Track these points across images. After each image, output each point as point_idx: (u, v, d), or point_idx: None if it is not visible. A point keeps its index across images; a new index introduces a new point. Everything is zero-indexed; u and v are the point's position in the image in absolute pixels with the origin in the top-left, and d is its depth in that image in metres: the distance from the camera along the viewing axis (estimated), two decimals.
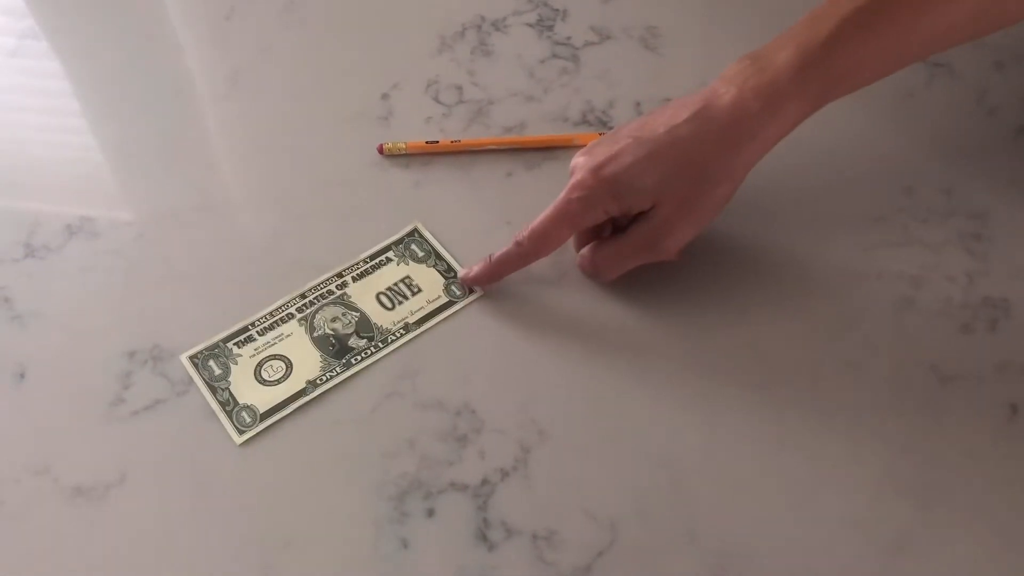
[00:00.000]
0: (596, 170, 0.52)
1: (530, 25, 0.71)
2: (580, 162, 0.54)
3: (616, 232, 0.56)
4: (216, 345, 0.55)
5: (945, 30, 0.51)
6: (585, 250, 0.57)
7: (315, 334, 0.55)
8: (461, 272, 0.58)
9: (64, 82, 0.71)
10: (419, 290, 0.57)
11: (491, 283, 0.57)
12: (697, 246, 0.58)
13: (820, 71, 0.50)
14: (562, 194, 0.54)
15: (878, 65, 0.52)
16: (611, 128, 0.64)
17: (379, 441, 0.52)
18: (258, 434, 0.52)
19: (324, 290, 0.57)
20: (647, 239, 0.54)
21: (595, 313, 0.56)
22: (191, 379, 0.54)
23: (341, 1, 0.73)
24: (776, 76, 0.50)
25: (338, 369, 0.54)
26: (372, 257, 0.59)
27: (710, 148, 0.51)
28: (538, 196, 0.61)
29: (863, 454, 0.51)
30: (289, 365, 0.54)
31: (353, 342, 0.55)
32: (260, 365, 0.54)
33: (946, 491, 0.50)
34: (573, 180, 0.54)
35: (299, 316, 0.56)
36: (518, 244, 0.55)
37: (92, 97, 0.69)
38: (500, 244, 0.59)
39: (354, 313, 0.56)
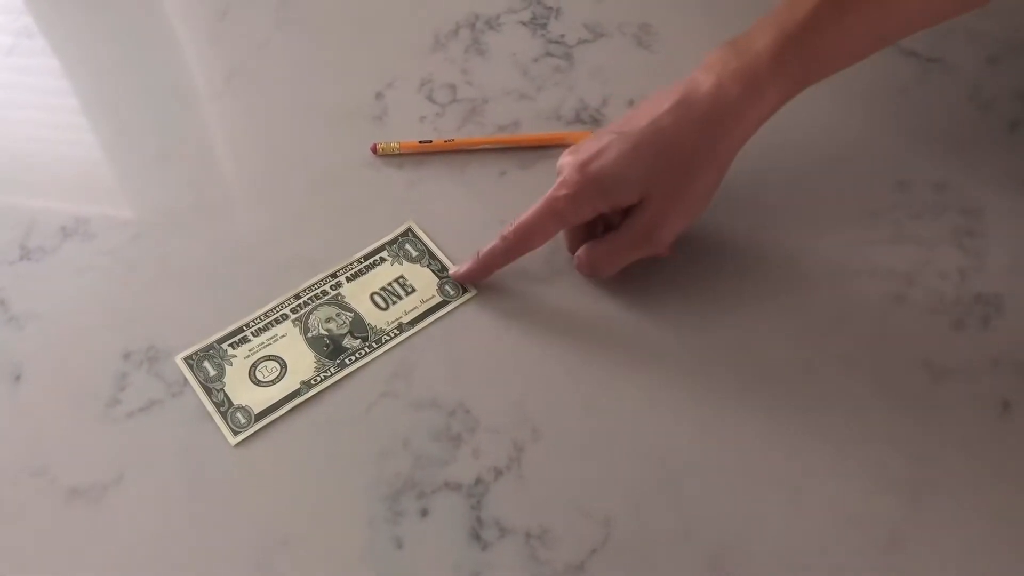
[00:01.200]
0: (582, 167, 0.53)
1: (524, 23, 0.71)
2: (566, 161, 0.54)
3: (608, 229, 0.56)
4: (211, 346, 0.55)
5: (923, 6, 0.52)
6: (581, 250, 0.56)
7: (309, 334, 0.56)
8: (451, 270, 0.58)
9: (59, 81, 0.71)
10: (413, 290, 0.57)
11: (481, 279, 0.57)
12: (689, 244, 0.58)
13: (799, 53, 0.51)
14: (549, 191, 0.54)
15: (857, 46, 0.53)
16: (603, 126, 0.64)
17: (373, 441, 0.52)
18: (253, 434, 0.52)
19: (318, 290, 0.57)
20: (640, 233, 0.54)
21: (588, 311, 0.56)
22: (186, 380, 0.54)
23: (335, 0, 0.73)
24: (755, 60, 0.51)
25: (332, 369, 0.54)
26: (366, 257, 0.59)
27: (692, 135, 0.52)
28: (532, 195, 0.61)
29: (856, 450, 0.51)
30: (283, 366, 0.54)
31: (347, 342, 0.55)
32: (255, 366, 0.55)
33: (938, 487, 0.50)
34: (560, 178, 0.54)
35: (293, 317, 0.56)
36: (504, 239, 0.55)
37: (88, 96, 0.70)
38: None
39: (348, 313, 0.56)
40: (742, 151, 0.59)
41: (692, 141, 0.52)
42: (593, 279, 0.57)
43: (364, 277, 0.58)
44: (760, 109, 0.52)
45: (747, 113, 0.52)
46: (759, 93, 0.51)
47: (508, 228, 0.55)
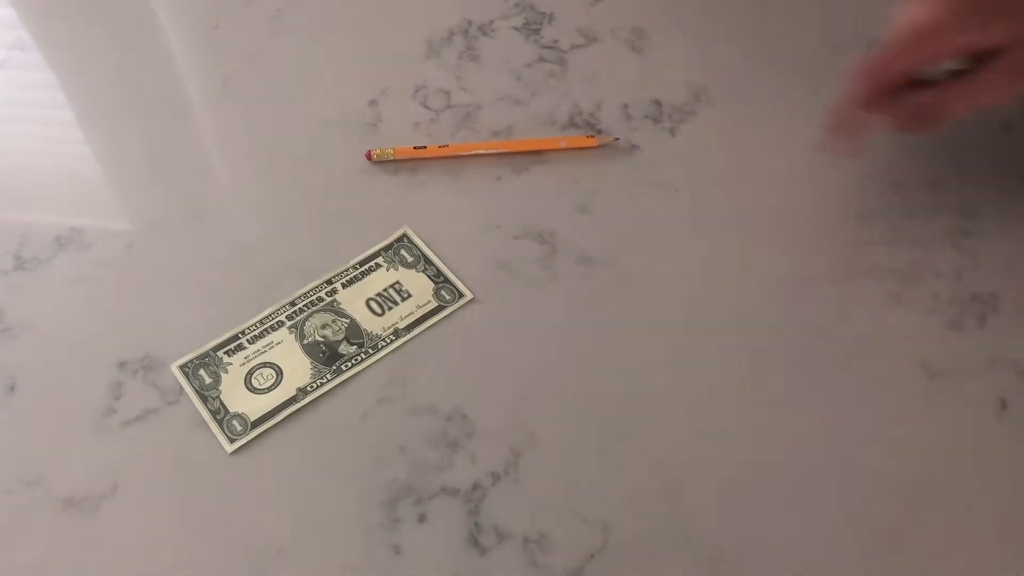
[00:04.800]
0: None
1: (517, 29, 0.71)
2: None
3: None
4: (206, 354, 0.55)
5: None
6: (929, 93, 0.53)
7: (305, 341, 0.55)
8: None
9: (53, 93, 0.71)
10: (409, 295, 0.57)
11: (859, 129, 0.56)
12: (688, 253, 0.58)
13: None
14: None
15: None
16: (599, 131, 0.64)
17: (370, 447, 0.52)
18: (249, 442, 0.52)
19: (314, 297, 0.57)
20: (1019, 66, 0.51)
21: (584, 315, 0.56)
22: (181, 388, 0.54)
23: (328, 8, 0.73)
24: None
25: (328, 376, 0.54)
26: (362, 263, 0.59)
27: None
28: (527, 199, 0.61)
29: (854, 451, 0.51)
30: (279, 373, 0.54)
31: (343, 348, 0.55)
32: (250, 373, 0.54)
33: (937, 486, 0.50)
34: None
35: (289, 324, 0.56)
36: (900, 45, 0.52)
37: (81, 108, 0.70)
38: (489, 248, 0.59)
39: (344, 319, 0.56)
40: (743, 153, 0.60)
41: None
42: (922, 130, 0.55)
43: (360, 283, 0.58)
44: None
45: None
46: None
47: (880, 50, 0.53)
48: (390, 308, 0.57)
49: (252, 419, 0.53)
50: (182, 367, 0.55)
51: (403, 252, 0.59)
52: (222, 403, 0.53)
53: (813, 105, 0.60)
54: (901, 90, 0.54)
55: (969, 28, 0.51)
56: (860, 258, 0.58)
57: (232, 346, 0.55)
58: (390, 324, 0.56)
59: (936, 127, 0.55)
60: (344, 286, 0.58)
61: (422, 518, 0.49)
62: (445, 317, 0.56)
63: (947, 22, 0.51)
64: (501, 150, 0.63)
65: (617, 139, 0.64)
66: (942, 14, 0.51)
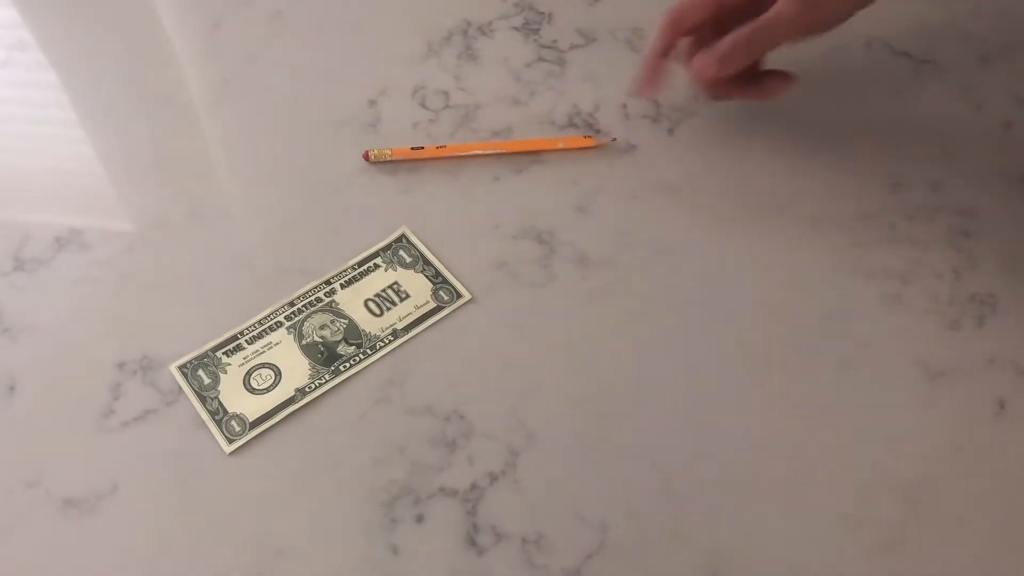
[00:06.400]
0: None
1: (516, 29, 0.71)
2: None
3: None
4: (205, 354, 0.55)
5: None
6: (728, 37, 0.56)
7: (304, 342, 0.56)
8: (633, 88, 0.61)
9: (53, 93, 0.71)
10: (407, 296, 0.57)
11: (658, 81, 0.60)
12: (687, 253, 0.58)
13: None
14: None
15: None
16: (598, 131, 0.64)
17: (368, 448, 0.52)
18: (248, 443, 0.52)
19: (312, 298, 0.57)
20: (804, 5, 0.54)
21: (582, 315, 0.56)
22: (180, 389, 0.54)
23: (328, 8, 0.73)
24: None
25: (327, 376, 0.54)
26: (360, 264, 0.59)
27: None
28: (525, 200, 0.61)
29: (852, 451, 0.51)
30: (278, 373, 0.54)
31: (342, 349, 0.55)
32: (249, 374, 0.54)
33: (935, 487, 0.50)
34: None
35: (288, 324, 0.56)
36: (660, 27, 0.57)
37: (81, 108, 0.70)
38: (488, 249, 0.59)
39: (342, 320, 0.56)
40: (742, 153, 0.59)
41: None
42: (727, 69, 0.57)
43: (358, 284, 0.58)
44: None
45: None
46: None
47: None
48: (388, 309, 0.57)
49: (251, 419, 0.53)
50: (181, 367, 0.55)
51: (402, 253, 0.59)
52: (221, 403, 0.53)
53: (812, 105, 0.60)
54: (707, 40, 0.57)
55: None
56: (860, 258, 0.58)
57: (231, 347, 0.55)
58: (388, 324, 0.56)
59: (737, 64, 0.56)
60: (343, 287, 0.58)
61: (420, 518, 0.49)
62: (443, 318, 0.56)
63: None
64: (499, 150, 0.63)
65: (615, 139, 0.64)
66: None
